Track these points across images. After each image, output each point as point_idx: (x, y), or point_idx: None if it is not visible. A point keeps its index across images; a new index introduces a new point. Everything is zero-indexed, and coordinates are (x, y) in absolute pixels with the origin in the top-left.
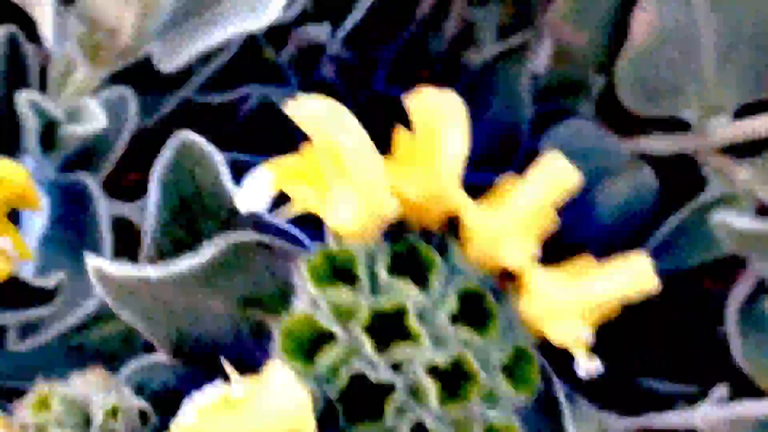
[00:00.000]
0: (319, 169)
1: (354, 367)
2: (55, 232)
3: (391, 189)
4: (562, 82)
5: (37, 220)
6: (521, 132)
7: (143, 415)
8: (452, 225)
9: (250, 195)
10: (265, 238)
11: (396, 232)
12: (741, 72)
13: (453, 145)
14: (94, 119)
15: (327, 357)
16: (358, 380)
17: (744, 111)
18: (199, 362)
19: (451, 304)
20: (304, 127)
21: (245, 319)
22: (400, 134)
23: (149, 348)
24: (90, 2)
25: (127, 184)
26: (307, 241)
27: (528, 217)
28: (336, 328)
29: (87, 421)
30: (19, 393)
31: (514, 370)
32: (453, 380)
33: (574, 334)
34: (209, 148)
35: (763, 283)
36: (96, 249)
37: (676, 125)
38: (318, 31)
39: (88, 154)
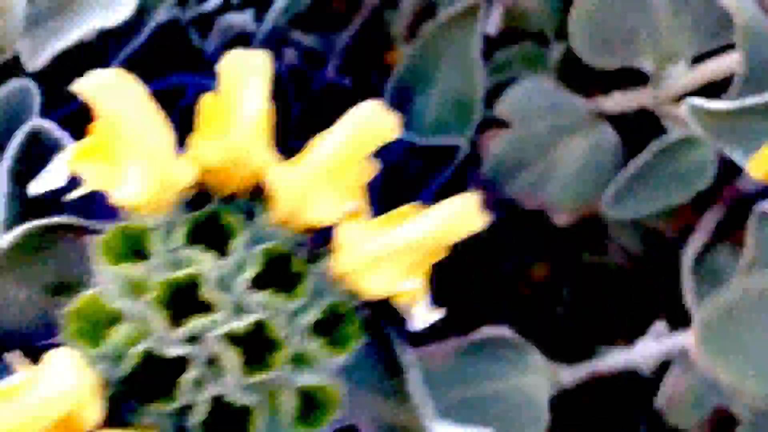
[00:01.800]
0: (109, 145)
1: (144, 345)
2: None
3: (192, 155)
4: (518, 53)
5: None
6: (476, 97)
7: None
8: (263, 191)
9: (47, 177)
10: (72, 220)
11: (200, 200)
12: (696, 19)
13: (250, 102)
14: None
15: (114, 337)
16: (155, 357)
17: (699, 60)
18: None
19: (252, 268)
20: (90, 101)
21: (55, 306)
22: (205, 99)
23: None
24: None
25: None
26: None
27: (333, 169)
28: (124, 306)
29: None
30: None
31: (331, 330)
32: (257, 347)
33: (393, 285)
34: (59, 134)
35: (719, 231)
36: None
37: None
38: (240, 19)
39: None
